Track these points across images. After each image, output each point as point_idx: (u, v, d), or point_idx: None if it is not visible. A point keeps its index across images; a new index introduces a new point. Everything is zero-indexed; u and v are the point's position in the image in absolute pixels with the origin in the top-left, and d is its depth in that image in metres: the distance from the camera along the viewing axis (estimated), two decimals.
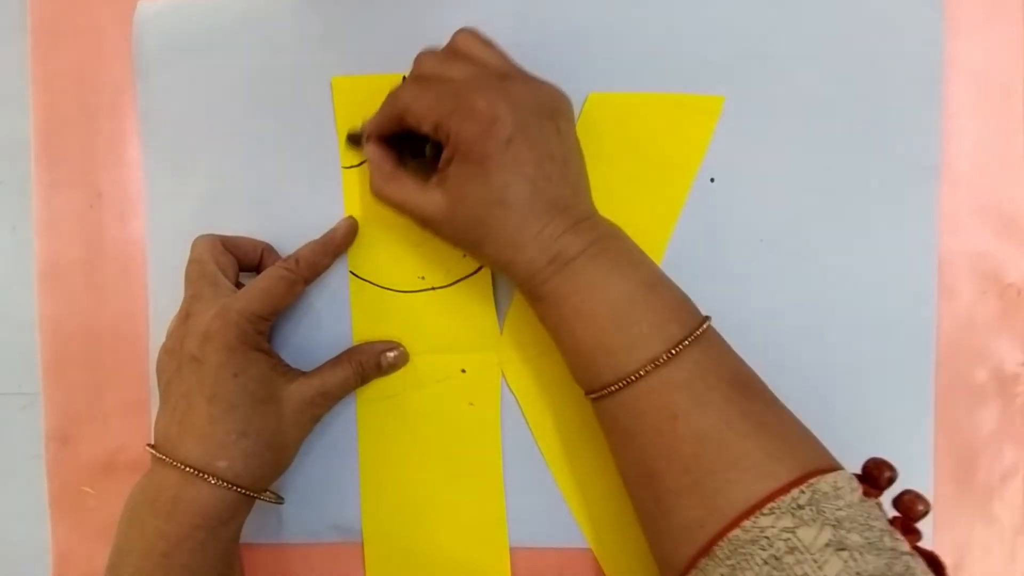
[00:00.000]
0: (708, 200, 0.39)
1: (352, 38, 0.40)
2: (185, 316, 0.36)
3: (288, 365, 0.38)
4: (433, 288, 0.40)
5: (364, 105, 0.40)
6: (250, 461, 0.34)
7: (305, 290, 0.39)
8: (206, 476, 0.33)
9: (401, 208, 0.36)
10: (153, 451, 0.35)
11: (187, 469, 0.33)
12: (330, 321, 0.40)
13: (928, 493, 0.38)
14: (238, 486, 0.34)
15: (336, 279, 0.40)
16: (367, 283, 0.40)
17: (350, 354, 0.39)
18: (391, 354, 0.39)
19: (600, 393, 0.32)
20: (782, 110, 0.39)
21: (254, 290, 0.36)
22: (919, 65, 0.38)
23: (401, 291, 0.40)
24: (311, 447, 0.40)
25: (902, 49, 0.38)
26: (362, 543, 0.40)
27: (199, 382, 0.34)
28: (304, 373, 0.38)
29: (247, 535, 0.38)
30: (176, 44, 0.41)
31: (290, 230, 0.40)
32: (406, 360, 0.40)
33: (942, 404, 0.39)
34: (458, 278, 0.40)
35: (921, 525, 0.38)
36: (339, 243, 0.39)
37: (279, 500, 0.38)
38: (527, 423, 0.40)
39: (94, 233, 0.42)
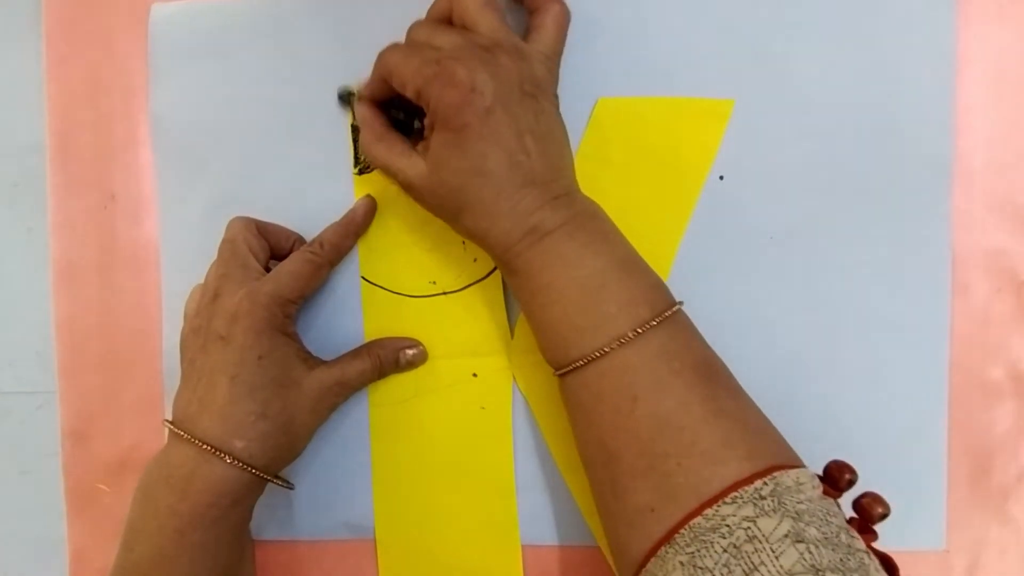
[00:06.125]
0: (718, 198, 0.39)
1: (363, 41, 0.40)
2: (213, 296, 0.36)
3: (310, 352, 0.38)
4: (444, 292, 0.40)
5: None
6: (266, 443, 0.35)
7: (316, 295, 0.39)
8: (222, 455, 0.33)
9: (387, 170, 0.36)
10: (171, 427, 0.35)
11: (204, 446, 0.33)
12: (342, 325, 0.40)
13: (942, 492, 0.38)
14: (252, 467, 0.34)
15: (348, 284, 0.40)
16: (379, 288, 0.40)
17: (370, 347, 0.39)
18: (410, 351, 0.39)
19: (566, 370, 0.32)
20: (792, 106, 0.38)
21: (282, 273, 0.36)
22: (931, 59, 0.38)
23: (412, 296, 0.40)
24: (324, 446, 0.41)
25: (914, 43, 0.38)
26: (374, 541, 0.41)
27: (223, 361, 0.35)
28: (325, 362, 0.38)
29: (260, 531, 0.39)
30: (189, 47, 0.41)
31: (301, 233, 0.40)
32: (424, 358, 0.40)
33: (956, 403, 0.38)
34: (469, 282, 0.40)
35: (935, 524, 0.38)
36: (360, 223, 0.39)
37: (289, 485, 0.38)
38: (538, 426, 0.40)
39: (108, 234, 0.43)
